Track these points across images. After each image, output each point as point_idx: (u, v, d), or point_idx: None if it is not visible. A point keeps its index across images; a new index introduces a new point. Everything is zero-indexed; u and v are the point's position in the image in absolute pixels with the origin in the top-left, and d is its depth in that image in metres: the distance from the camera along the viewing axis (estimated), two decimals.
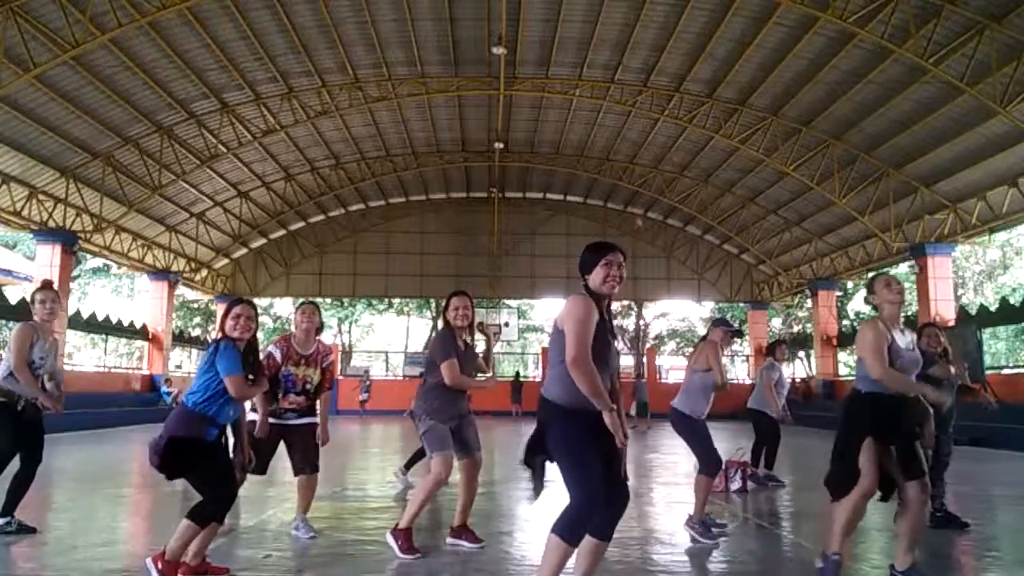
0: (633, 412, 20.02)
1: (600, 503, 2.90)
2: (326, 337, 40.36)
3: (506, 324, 26.02)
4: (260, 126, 18.16)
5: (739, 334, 5.42)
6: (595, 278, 2.98)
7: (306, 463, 4.75)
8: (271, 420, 4.65)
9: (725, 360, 8.19)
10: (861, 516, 3.83)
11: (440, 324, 4.96)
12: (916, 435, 3.81)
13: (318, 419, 4.86)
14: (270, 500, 6.20)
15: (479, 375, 4.72)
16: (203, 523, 3.45)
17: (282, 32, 14.73)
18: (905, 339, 3.85)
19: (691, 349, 5.77)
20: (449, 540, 4.60)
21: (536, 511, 5.64)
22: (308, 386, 4.76)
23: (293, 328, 4.95)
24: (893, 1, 12.11)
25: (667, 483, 7.96)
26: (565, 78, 17.48)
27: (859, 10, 12.40)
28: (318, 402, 4.88)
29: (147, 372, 23.00)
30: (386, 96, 17.81)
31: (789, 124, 17.46)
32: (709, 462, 5.13)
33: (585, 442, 2.91)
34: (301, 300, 5.76)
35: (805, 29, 13.73)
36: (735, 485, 7.12)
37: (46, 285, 4.85)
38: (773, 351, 8.28)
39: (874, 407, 3.79)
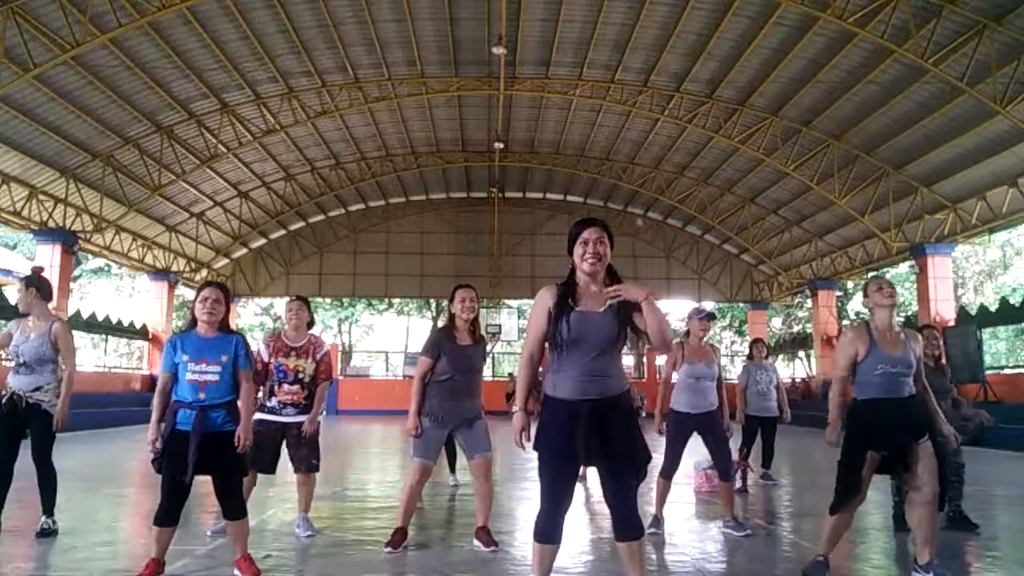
0: None
1: (544, 500, 2.87)
2: (326, 338, 39.96)
3: (499, 326, 25.89)
4: (260, 126, 18.17)
5: (710, 317, 5.41)
6: (576, 258, 3.00)
7: (301, 461, 4.77)
8: (270, 417, 4.72)
9: (725, 361, 8.20)
10: (848, 523, 3.91)
11: (443, 320, 5.01)
12: (920, 436, 3.76)
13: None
14: (270, 500, 6.20)
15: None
16: (230, 519, 3.78)
17: (282, 32, 14.74)
18: (900, 343, 3.82)
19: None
20: (474, 541, 4.58)
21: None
22: (301, 375, 4.77)
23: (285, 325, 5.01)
24: (893, 1, 12.12)
25: None
26: (565, 78, 17.48)
27: (859, 10, 12.40)
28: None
29: (147, 372, 23.00)
30: (386, 96, 17.81)
31: (789, 124, 17.46)
32: (663, 464, 5.16)
33: (548, 436, 2.86)
34: (288, 298, 5.77)
35: (805, 29, 13.74)
36: (735, 485, 7.11)
37: (29, 274, 4.98)
38: (750, 353, 8.26)
39: (868, 414, 3.79)
